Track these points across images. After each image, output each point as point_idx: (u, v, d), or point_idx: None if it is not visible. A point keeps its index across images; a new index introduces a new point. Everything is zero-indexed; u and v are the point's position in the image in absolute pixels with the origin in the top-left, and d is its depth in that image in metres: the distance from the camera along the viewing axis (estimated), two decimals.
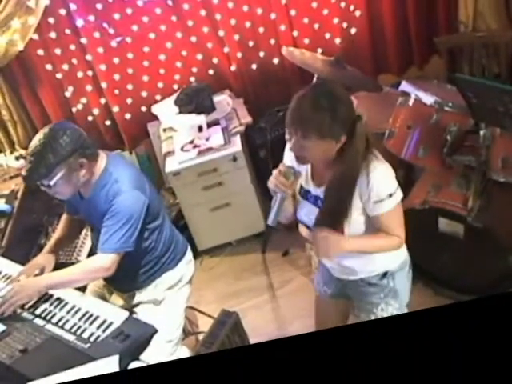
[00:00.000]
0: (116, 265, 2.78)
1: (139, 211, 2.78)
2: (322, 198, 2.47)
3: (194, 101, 4.38)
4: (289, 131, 2.32)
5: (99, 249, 2.78)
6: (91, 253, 3.54)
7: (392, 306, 2.72)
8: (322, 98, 2.26)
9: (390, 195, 2.37)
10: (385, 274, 2.66)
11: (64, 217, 3.23)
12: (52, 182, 2.68)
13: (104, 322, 2.64)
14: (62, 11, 4.36)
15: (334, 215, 2.43)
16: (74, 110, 4.69)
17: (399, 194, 2.40)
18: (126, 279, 2.86)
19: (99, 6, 4.39)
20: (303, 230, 2.68)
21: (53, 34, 4.43)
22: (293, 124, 2.28)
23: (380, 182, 2.35)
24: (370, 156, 2.36)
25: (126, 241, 2.76)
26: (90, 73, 4.60)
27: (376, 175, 2.34)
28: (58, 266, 3.65)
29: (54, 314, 2.75)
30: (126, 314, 2.67)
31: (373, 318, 2.74)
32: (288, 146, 2.40)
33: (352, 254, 2.53)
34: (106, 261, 2.77)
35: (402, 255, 2.67)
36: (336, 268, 2.75)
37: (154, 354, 2.62)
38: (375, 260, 2.63)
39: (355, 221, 2.45)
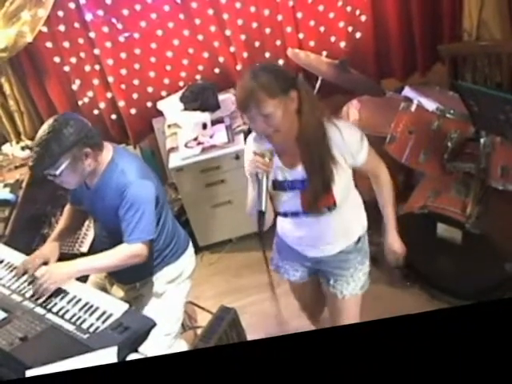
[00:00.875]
0: (148, 251, 2.83)
1: (151, 199, 2.82)
2: (301, 178, 2.52)
3: (200, 98, 4.38)
4: (246, 114, 2.37)
5: (126, 241, 2.79)
6: (93, 244, 3.55)
7: (365, 264, 2.84)
8: (256, 70, 2.36)
9: (362, 139, 2.51)
10: (359, 239, 2.77)
11: (67, 207, 3.23)
12: (58, 172, 2.68)
13: (104, 313, 2.63)
14: (72, 5, 4.35)
15: (321, 178, 2.48)
16: (80, 103, 4.69)
17: (365, 137, 2.54)
18: (127, 271, 2.85)
19: (108, 1, 4.39)
20: None
21: (62, 27, 4.42)
22: (243, 101, 2.34)
23: (351, 132, 2.49)
24: (328, 115, 2.49)
25: (149, 228, 2.81)
26: (97, 67, 4.60)
27: (345, 127, 2.48)
28: (60, 257, 3.66)
29: (55, 304, 2.74)
30: (126, 306, 2.66)
31: (351, 281, 2.82)
32: (253, 133, 2.53)
33: (335, 226, 2.65)
34: (138, 249, 2.79)
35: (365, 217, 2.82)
36: (318, 247, 2.77)
37: (153, 347, 2.62)
38: (353, 229, 2.75)
39: (343, 181, 2.53)
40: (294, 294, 3.20)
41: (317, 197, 2.51)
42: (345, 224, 2.68)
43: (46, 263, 2.98)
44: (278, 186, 2.59)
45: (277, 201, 2.65)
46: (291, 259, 2.95)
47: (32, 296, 2.81)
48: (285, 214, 2.68)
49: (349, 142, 2.46)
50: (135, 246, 2.79)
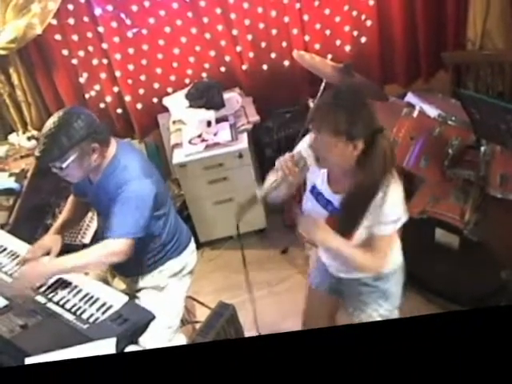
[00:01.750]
0: (131, 249, 2.74)
1: (148, 198, 2.77)
2: (336, 205, 2.46)
3: (205, 96, 4.38)
4: (311, 128, 2.33)
5: (110, 235, 2.73)
6: (96, 236, 3.54)
7: (383, 308, 2.73)
8: (344, 97, 2.26)
9: (396, 221, 2.38)
10: (379, 277, 2.66)
11: (71, 199, 3.22)
12: (64, 165, 2.67)
13: (104, 304, 2.64)
14: None
15: (345, 227, 2.41)
16: (87, 96, 4.69)
17: (403, 219, 2.41)
18: (129, 264, 2.84)
19: None
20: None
21: (71, 21, 4.42)
22: (313, 118, 2.30)
23: (394, 205, 2.35)
24: (389, 175, 2.33)
25: (136, 226, 2.73)
26: (105, 61, 4.60)
27: (392, 197, 2.33)
28: (63, 248, 3.66)
29: (56, 293, 2.75)
30: (126, 298, 2.67)
31: (363, 316, 2.75)
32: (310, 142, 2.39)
33: None
34: (119, 245, 2.72)
35: (397, 260, 2.68)
36: (333, 265, 2.76)
37: (152, 339, 2.62)
38: None
39: (357, 235, 2.43)
40: (306, 302, 3.15)
41: (340, 232, 2.43)
42: None
43: (48, 253, 2.97)
44: (315, 193, 2.56)
45: (306, 200, 2.64)
46: (320, 269, 2.93)
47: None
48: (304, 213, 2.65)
49: (386, 211, 2.34)
50: (118, 242, 2.72)
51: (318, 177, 2.55)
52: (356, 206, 2.38)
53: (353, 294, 2.78)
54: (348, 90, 2.35)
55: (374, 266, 2.49)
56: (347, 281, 2.76)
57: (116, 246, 2.72)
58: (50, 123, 2.67)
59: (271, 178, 2.50)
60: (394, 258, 2.64)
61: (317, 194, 2.56)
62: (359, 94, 2.36)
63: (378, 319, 2.73)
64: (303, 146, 2.50)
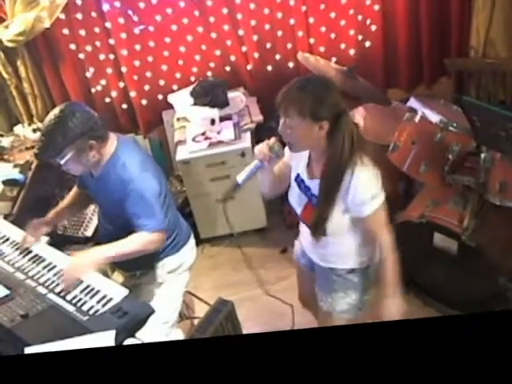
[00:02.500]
0: (165, 236, 2.87)
1: (156, 189, 2.81)
2: (313, 191, 2.54)
3: (210, 94, 4.38)
4: (280, 114, 2.39)
5: (145, 230, 2.79)
6: (97, 229, 3.54)
7: (350, 297, 2.78)
8: (310, 83, 2.36)
9: (373, 197, 2.42)
10: (352, 270, 2.73)
11: (74, 189, 3.23)
12: (62, 161, 2.69)
13: (104, 297, 2.64)
14: None
15: (319, 211, 2.49)
16: (93, 90, 4.69)
17: (381, 197, 2.45)
18: (129, 259, 2.85)
19: None
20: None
21: (79, 16, 4.42)
22: (280, 103, 2.35)
23: (363, 185, 2.39)
24: (356, 157, 2.39)
25: (161, 216, 2.83)
26: (111, 56, 4.59)
27: (360, 177, 2.38)
28: (64, 239, 3.66)
29: (57, 285, 2.75)
30: (126, 291, 2.66)
31: (329, 300, 2.81)
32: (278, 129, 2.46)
33: (327, 246, 2.64)
34: (156, 237, 2.82)
35: (368, 255, 2.70)
36: (310, 249, 2.82)
37: (150, 333, 2.62)
38: (346, 258, 2.71)
39: (336, 219, 2.50)
40: (296, 276, 3.25)
41: (314, 221, 2.54)
42: (337, 252, 2.69)
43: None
44: (299, 181, 2.63)
45: (290, 190, 2.71)
46: (300, 245, 2.98)
47: (35, 275, 2.82)
48: (290, 205, 2.73)
49: (359, 191, 2.39)
50: (153, 234, 2.80)
51: (300, 165, 2.62)
52: (327, 189, 2.45)
53: (323, 278, 2.83)
54: (313, 77, 2.49)
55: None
56: (318, 267, 2.82)
57: (153, 238, 2.81)
58: (47, 120, 2.68)
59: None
60: (366, 254, 2.69)
61: (300, 182, 2.62)
62: (323, 79, 2.46)
63: (345, 307, 2.79)
64: None
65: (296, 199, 2.65)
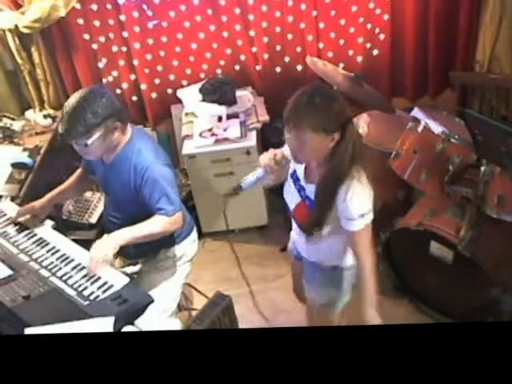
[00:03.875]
0: (182, 218, 2.90)
1: (171, 175, 2.85)
2: (307, 193, 2.55)
3: (218, 92, 4.38)
4: (286, 127, 2.36)
5: (165, 214, 2.80)
6: (102, 216, 3.54)
7: (332, 292, 2.81)
8: (317, 95, 2.32)
9: (361, 216, 2.42)
10: (335, 267, 2.75)
11: (77, 172, 3.22)
12: (89, 141, 2.66)
13: (105, 283, 2.64)
14: None
15: (315, 217, 2.52)
16: (104, 80, 4.69)
17: (370, 217, 2.45)
18: (131, 247, 2.85)
19: None
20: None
21: (94, 7, 4.42)
22: (289, 118, 2.33)
23: (355, 201, 2.40)
24: (355, 170, 2.40)
25: (178, 199, 2.87)
26: (124, 48, 4.59)
27: (354, 192, 2.39)
28: (68, 224, 3.66)
29: (60, 268, 2.75)
30: (127, 279, 2.67)
31: (313, 292, 2.87)
32: (286, 143, 2.45)
33: (314, 244, 2.66)
34: (176, 218, 2.84)
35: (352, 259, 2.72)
36: (298, 242, 2.85)
37: (148, 322, 2.62)
38: (331, 256, 2.73)
39: (328, 224, 2.53)
40: (291, 271, 3.30)
41: (308, 223, 2.58)
42: (323, 249, 2.69)
43: (35, 216, 3.06)
44: (294, 177, 2.63)
45: (286, 184, 2.72)
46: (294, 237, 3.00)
47: (39, 257, 2.82)
48: (285, 199, 2.75)
49: (351, 206, 2.40)
50: (172, 217, 2.82)
51: (297, 168, 2.63)
52: (323, 196, 2.46)
53: (309, 270, 2.87)
54: (319, 88, 2.41)
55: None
56: (306, 260, 2.86)
57: (172, 220, 2.83)
58: (73, 101, 2.66)
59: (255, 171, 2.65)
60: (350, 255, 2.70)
61: (295, 179, 2.63)
62: (329, 90, 2.49)
63: (327, 300, 2.82)
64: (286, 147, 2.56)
65: (290, 195, 2.67)
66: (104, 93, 2.71)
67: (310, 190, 2.53)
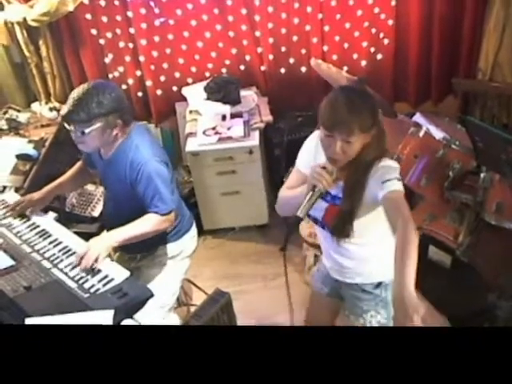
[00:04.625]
0: (175, 217, 2.91)
1: (166, 173, 2.84)
2: (335, 192, 2.44)
3: (223, 91, 4.39)
4: (330, 132, 2.27)
5: (157, 212, 2.81)
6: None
7: (381, 315, 2.70)
8: (353, 95, 2.29)
9: (398, 179, 2.31)
10: (379, 284, 2.65)
11: (77, 164, 3.21)
12: (87, 130, 2.66)
13: (106, 276, 2.64)
14: None
15: (350, 205, 2.41)
16: (110, 76, 4.69)
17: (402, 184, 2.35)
18: (131, 242, 2.86)
19: None
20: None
21: (102, 2, 4.44)
22: (336, 123, 2.24)
23: (391, 167, 2.34)
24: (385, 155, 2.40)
25: (172, 198, 2.86)
26: (130, 45, 4.60)
27: (387, 162, 2.36)
28: (71, 217, 3.66)
29: (61, 260, 2.75)
30: (128, 273, 2.67)
31: (361, 322, 2.73)
32: (325, 146, 2.35)
33: (353, 257, 2.57)
34: (167, 216, 2.84)
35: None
36: (335, 269, 2.73)
37: (147, 316, 2.62)
38: (373, 268, 2.64)
39: (360, 216, 2.43)
40: (309, 304, 3.17)
41: (339, 220, 2.45)
42: (364, 261, 2.61)
43: (33, 207, 3.07)
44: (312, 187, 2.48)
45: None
46: (322, 272, 2.91)
47: (41, 249, 2.82)
48: (312, 217, 2.60)
49: (387, 171, 2.31)
50: (164, 215, 2.83)
51: None
52: (357, 178, 2.37)
53: (352, 298, 2.76)
54: (350, 89, 2.44)
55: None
56: (347, 285, 2.74)
57: (164, 218, 2.83)
58: (83, 88, 2.67)
59: (300, 191, 2.43)
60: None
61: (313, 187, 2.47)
62: (359, 89, 2.47)
63: (374, 324, 2.71)
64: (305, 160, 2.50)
65: (317, 209, 2.50)
66: (114, 88, 2.72)
67: (338, 188, 2.43)
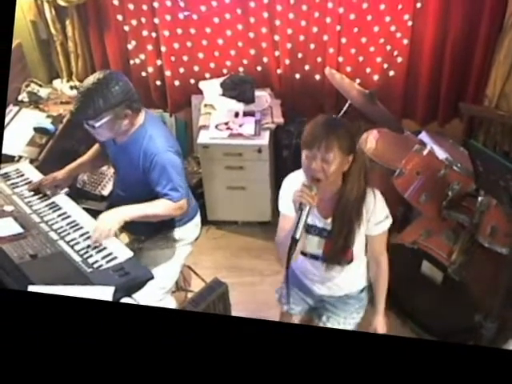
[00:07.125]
0: (187, 204, 2.90)
1: (179, 162, 2.85)
2: (329, 228, 2.51)
3: (238, 89, 4.38)
4: (310, 150, 2.32)
5: (171, 199, 2.81)
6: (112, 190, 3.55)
7: (360, 315, 2.83)
8: (332, 119, 2.46)
9: (387, 217, 2.51)
10: (363, 289, 2.77)
11: (95, 146, 3.21)
12: (97, 125, 2.68)
13: (110, 254, 2.66)
14: None
15: (345, 236, 2.48)
16: (131, 62, 4.68)
17: (390, 219, 2.54)
18: (138, 224, 2.86)
19: None
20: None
21: None
22: (316, 140, 2.30)
23: (382, 204, 2.49)
24: (368, 187, 2.46)
25: (185, 186, 2.88)
26: (153, 34, 4.58)
27: (380, 197, 2.48)
28: (81, 193, 3.66)
29: (68, 233, 2.77)
30: (131, 253, 2.68)
31: (341, 323, 2.79)
32: (305, 167, 2.38)
33: (344, 275, 2.64)
34: (180, 204, 2.85)
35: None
36: (322, 288, 2.76)
37: (146, 296, 2.62)
38: (361, 279, 2.74)
39: (360, 240, 2.54)
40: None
41: (338, 250, 2.52)
42: (355, 274, 2.69)
43: (57, 186, 3.07)
44: (307, 228, 2.52)
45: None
46: (297, 294, 2.89)
47: (50, 220, 2.83)
48: (304, 254, 2.66)
49: (378, 211, 2.47)
50: (178, 203, 2.83)
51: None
52: (350, 215, 2.45)
53: (337, 307, 2.80)
54: (331, 116, 2.54)
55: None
56: (332, 297, 2.78)
57: (178, 205, 2.83)
58: (88, 83, 2.68)
59: (290, 215, 2.51)
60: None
61: (308, 228, 2.54)
62: (341, 119, 2.65)
63: (352, 325, 2.81)
64: (301, 174, 2.50)
65: (311, 246, 2.60)
66: (119, 79, 2.71)
67: (330, 225, 2.51)
